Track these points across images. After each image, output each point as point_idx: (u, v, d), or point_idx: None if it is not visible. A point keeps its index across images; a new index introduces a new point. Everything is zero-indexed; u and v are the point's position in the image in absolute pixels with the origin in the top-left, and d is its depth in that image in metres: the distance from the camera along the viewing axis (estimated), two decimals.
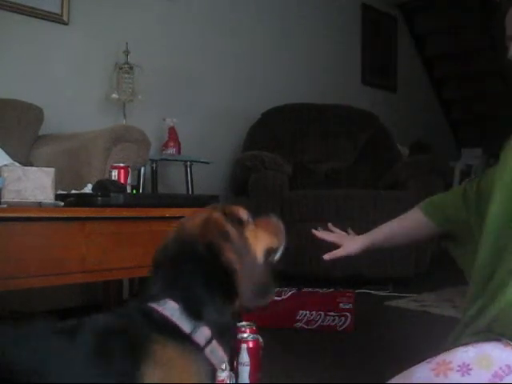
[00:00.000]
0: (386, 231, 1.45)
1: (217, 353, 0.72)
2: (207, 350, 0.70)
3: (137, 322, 0.69)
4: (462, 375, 0.82)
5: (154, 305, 0.71)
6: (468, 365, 0.83)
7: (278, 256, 0.86)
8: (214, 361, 0.71)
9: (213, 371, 0.72)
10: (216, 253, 0.73)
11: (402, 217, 1.44)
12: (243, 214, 0.81)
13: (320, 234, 1.46)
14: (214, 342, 0.71)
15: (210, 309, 0.72)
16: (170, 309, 0.70)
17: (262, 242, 0.81)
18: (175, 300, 0.71)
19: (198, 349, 0.69)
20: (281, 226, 0.88)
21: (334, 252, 1.42)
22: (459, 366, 0.83)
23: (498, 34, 4.52)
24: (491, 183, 1.04)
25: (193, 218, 0.80)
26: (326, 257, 1.42)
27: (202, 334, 0.70)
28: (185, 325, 0.69)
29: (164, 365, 0.65)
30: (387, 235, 1.44)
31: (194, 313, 0.71)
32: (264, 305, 0.75)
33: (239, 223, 0.79)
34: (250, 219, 0.82)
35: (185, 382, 0.66)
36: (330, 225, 1.51)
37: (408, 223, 1.42)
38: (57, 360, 0.65)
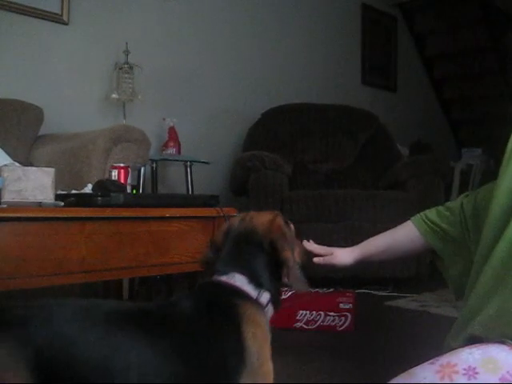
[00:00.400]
0: (378, 244, 1.42)
1: (270, 313, 0.92)
2: (265, 310, 0.90)
3: (219, 292, 0.89)
4: (469, 379, 0.81)
5: (223, 278, 0.90)
6: (474, 368, 0.82)
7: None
8: (269, 317, 0.92)
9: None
10: (276, 248, 0.93)
11: (392, 230, 1.41)
12: (290, 224, 1.03)
13: (309, 245, 1.44)
14: (270, 305, 0.92)
15: (267, 281, 0.92)
16: (238, 280, 0.89)
17: (298, 248, 1.04)
18: (241, 273, 0.90)
19: (263, 308, 0.89)
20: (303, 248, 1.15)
21: (325, 258, 1.40)
22: (465, 369, 0.82)
23: (498, 34, 4.50)
24: (488, 199, 1.04)
25: (260, 216, 0.98)
26: (316, 260, 1.40)
27: (265, 297, 0.91)
28: (251, 291, 0.89)
29: (252, 322, 0.84)
30: (378, 248, 1.41)
31: (257, 283, 0.90)
32: (305, 289, 0.95)
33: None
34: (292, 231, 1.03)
35: (265, 335, 0.85)
36: (311, 241, 1.45)
37: (399, 237, 1.38)
38: (179, 331, 0.79)
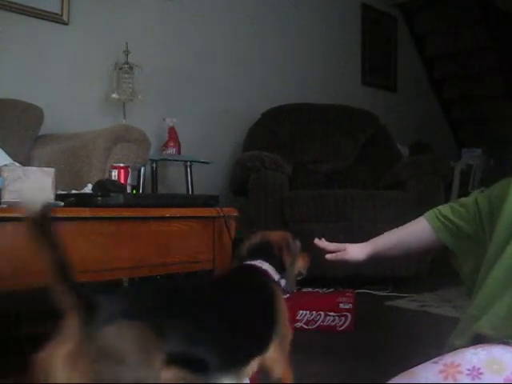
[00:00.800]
0: (390, 240, 1.42)
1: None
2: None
3: (254, 272, 1.16)
4: (473, 379, 0.81)
5: (254, 262, 1.18)
6: (478, 369, 0.81)
7: (302, 273, 1.32)
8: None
9: None
10: (281, 252, 1.22)
11: (405, 226, 1.40)
12: (297, 244, 1.30)
13: (321, 243, 1.45)
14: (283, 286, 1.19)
15: (281, 268, 1.20)
16: (265, 265, 1.17)
17: (299, 261, 1.30)
18: (267, 261, 1.18)
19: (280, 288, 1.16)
20: (308, 260, 1.34)
21: (338, 254, 1.41)
22: (469, 369, 0.82)
23: (498, 34, 4.49)
24: (502, 197, 1.03)
25: (274, 233, 1.28)
26: (329, 257, 1.42)
27: (283, 281, 1.19)
28: (275, 275, 1.17)
29: (279, 299, 1.10)
30: (391, 244, 1.41)
31: (277, 270, 1.19)
32: (290, 289, 1.23)
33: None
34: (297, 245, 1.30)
35: (286, 312, 1.11)
36: (323, 239, 1.48)
37: (412, 233, 1.38)
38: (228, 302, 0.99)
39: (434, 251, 1.45)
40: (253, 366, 0.98)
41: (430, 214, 1.34)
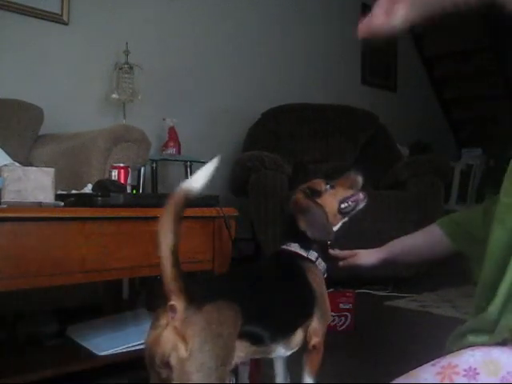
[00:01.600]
0: (402, 246, 1.43)
1: (322, 263, 1.24)
2: (317, 263, 1.23)
3: (285, 255, 1.23)
4: (469, 380, 0.81)
5: (283, 247, 1.25)
6: (475, 369, 0.82)
7: (358, 201, 1.31)
8: (322, 268, 1.24)
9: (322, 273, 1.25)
10: (294, 220, 1.24)
11: (419, 232, 1.41)
12: (319, 186, 1.31)
13: (333, 252, 1.46)
14: (320, 259, 1.24)
15: (307, 244, 1.23)
16: (294, 247, 1.23)
17: (336, 196, 1.30)
18: (294, 242, 1.24)
19: (313, 262, 1.22)
20: (356, 179, 1.33)
21: (349, 260, 1.43)
22: (465, 369, 0.82)
23: (499, 34, 4.49)
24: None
25: (292, 200, 1.29)
26: (342, 264, 1.44)
27: (313, 255, 1.23)
28: (303, 253, 1.22)
29: (310, 271, 1.19)
30: (403, 250, 1.42)
31: (304, 246, 1.23)
32: (327, 239, 1.27)
33: (317, 193, 1.29)
34: (326, 186, 1.31)
35: (321, 279, 1.21)
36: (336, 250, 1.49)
37: (425, 239, 1.38)
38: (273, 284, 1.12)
39: (445, 258, 1.44)
40: (298, 335, 1.12)
41: (443, 220, 1.34)
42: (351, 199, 1.30)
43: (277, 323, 1.06)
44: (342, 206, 1.30)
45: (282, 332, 1.08)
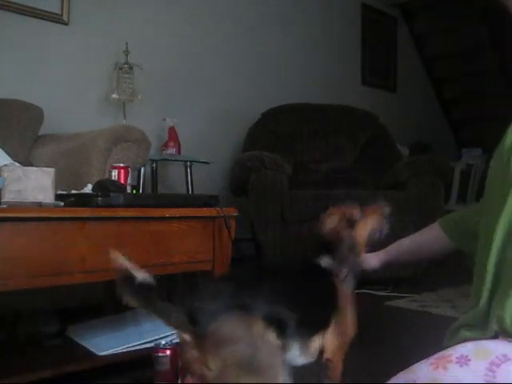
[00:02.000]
0: (404, 247, 1.45)
1: (351, 283, 1.22)
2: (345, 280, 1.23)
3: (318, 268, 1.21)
4: (461, 366, 0.84)
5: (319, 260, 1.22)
6: (466, 356, 0.85)
7: (383, 230, 1.28)
8: (349, 285, 1.22)
9: None
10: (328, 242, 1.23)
11: (420, 232, 1.44)
12: (354, 214, 1.26)
13: None
14: (349, 277, 1.21)
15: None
16: (325, 262, 1.20)
17: (366, 226, 1.26)
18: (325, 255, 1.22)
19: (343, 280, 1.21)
20: (382, 209, 1.30)
21: None
22: (457, 357, 0.86)
23: (498, 34, 4.48)
24: None
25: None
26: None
27: (344, 272, 1.21)
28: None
29: (337, 293, 1.16)
30: (405, 251, 1.45)
31: (338, 263, 1.20)
32: (359, 268, 1.26)
33: (353, 221, 1.25)
34: (359, 215, 1.26)
35: (345, 296, 1.18)
36: None
37: (426, 239, 1.41)
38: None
39: (451, 255, 1.47)
40: (314, 342, 1.11)
41: (443, 219, 1.37)
42: (380, 231, 1.29)
43: (298, 318, 1.05)
44: (372, 235, 1.28)
45: (302, 330, 1.07)
